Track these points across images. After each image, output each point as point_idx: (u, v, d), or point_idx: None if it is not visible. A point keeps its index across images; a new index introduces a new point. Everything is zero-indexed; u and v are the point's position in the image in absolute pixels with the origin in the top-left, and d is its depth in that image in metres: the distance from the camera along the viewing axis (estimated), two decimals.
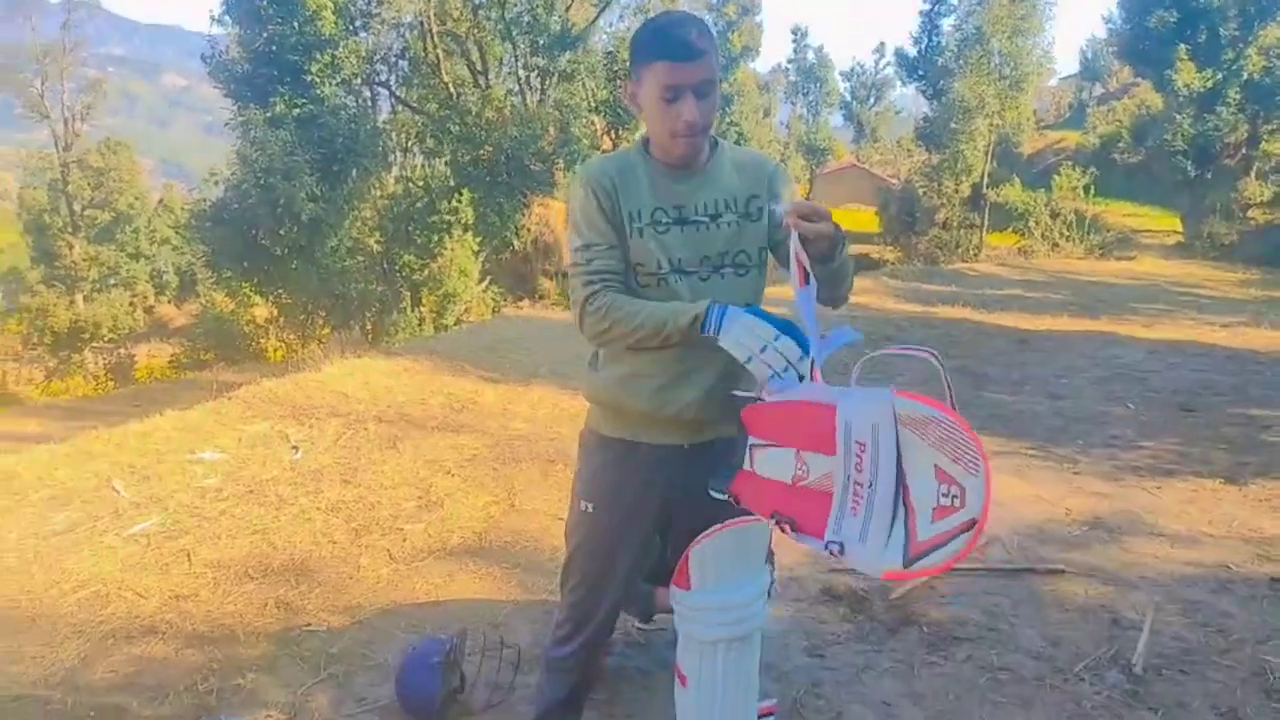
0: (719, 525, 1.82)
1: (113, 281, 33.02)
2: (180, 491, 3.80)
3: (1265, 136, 23.97)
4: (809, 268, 1.66)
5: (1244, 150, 24.33)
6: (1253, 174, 23.62)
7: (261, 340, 17.43)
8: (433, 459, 4.37)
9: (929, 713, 2.50)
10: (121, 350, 19.18)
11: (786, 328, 1.62)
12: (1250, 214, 22.09)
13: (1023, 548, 3.62)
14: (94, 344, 21.11)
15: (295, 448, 4.42)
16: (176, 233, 38.17)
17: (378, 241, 18.64)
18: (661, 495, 1.97)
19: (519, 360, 6.53)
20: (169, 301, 37.49)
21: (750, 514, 2.03)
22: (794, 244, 1.67)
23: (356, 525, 3.60)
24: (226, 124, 17.22)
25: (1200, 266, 18.19)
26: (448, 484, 4.07)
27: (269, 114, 16.03)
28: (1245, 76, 23.02)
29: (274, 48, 16.03)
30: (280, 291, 16.96)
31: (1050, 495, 4.22)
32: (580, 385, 2.07)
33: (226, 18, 17.28)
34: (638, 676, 2.64)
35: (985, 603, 3.15)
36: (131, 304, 31.25)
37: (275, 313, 17.30)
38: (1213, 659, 2.77)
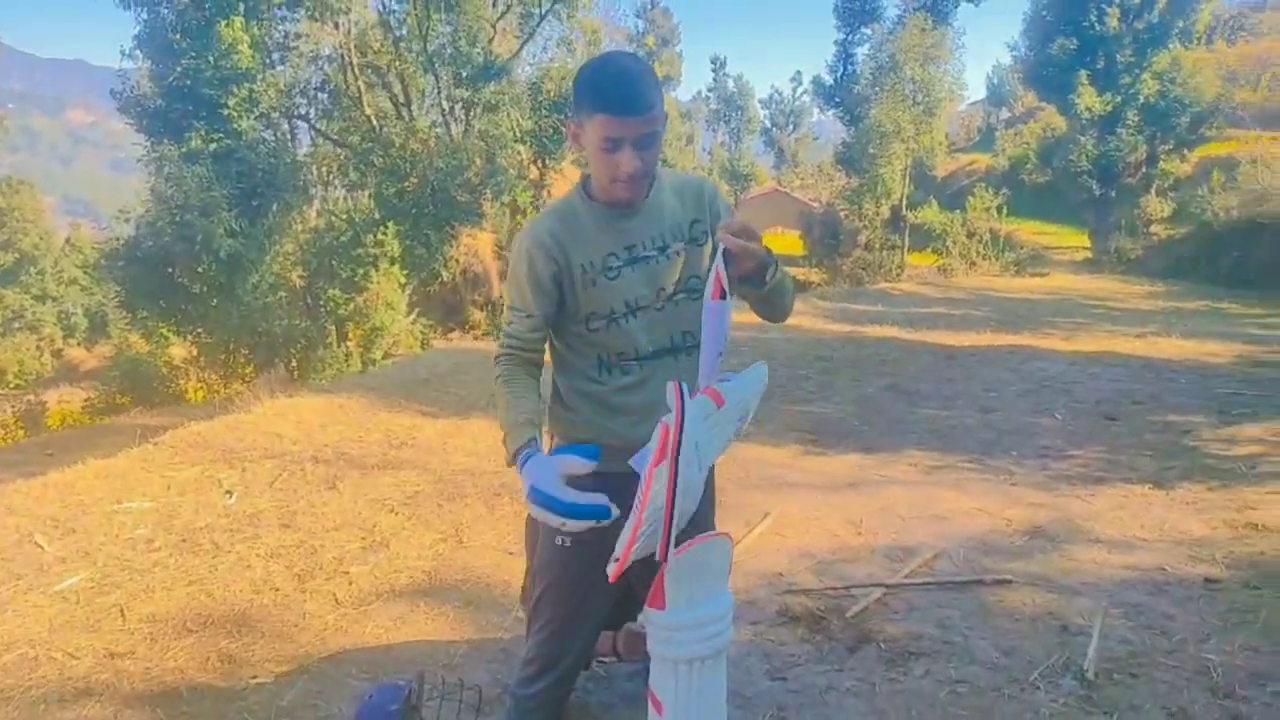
0: (688, 541, 1.82)
1: (18, 325, 31.64)
2: (109, 543, 3.63)
3: (1162, 156, 25.20)
4: (726, 285, 1.66)
5: (1144, 169, 25.52)
6: (1153, 191, 24.78)
7: (181, 381, 16.84)
8: (375, 498, 4.27)
9: None
10: (30, 397, 18.29)
11: (574, 509, 1.65)
12: (1152, 229, 23.13)
13: (969, 560, 3.69)
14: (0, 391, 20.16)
15: (229, 492, 4.26)
16: (85, 273, 36.75)
17: (300, 276, 18.26)
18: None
19: (456, 394, 6.44)
20: (79, 344, 36.03)
21: (713, 527, 2.05)
22: (717, 258, 1.68)
23: (299, 570, 3.47)
24: (139, 160, 16.71)
25: (1109, 280, 18.95)
26: (392, 523, 3.97)
27: (184, 149, 15.61)
28: (1141, 100, 24.20)
29: (188, 82, 15.62)
30: (199, 330, 16.44)
31: (990, 507, 4.31)
32: (548, 423, 2.05)
33: (137, 52, 16.81)
34: (600, 712, 2.60)
35: (938, 616, 3.19)
36: (39, 348, 29.97)
37: (195, 352, 16.75)
38: (1159, 660, 2.84)
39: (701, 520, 2.04)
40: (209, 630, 3.00)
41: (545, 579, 2.06)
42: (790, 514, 4.16)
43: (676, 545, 1.83)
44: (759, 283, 1.70)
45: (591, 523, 1.63)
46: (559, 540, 2.02)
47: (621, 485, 1.94)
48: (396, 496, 4.30)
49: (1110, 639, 2.96)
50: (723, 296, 1.66)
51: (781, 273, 1.79)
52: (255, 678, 2.70)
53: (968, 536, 3.93)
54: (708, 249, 1.91)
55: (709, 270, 1.96)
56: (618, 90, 1.66)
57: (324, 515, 4.03)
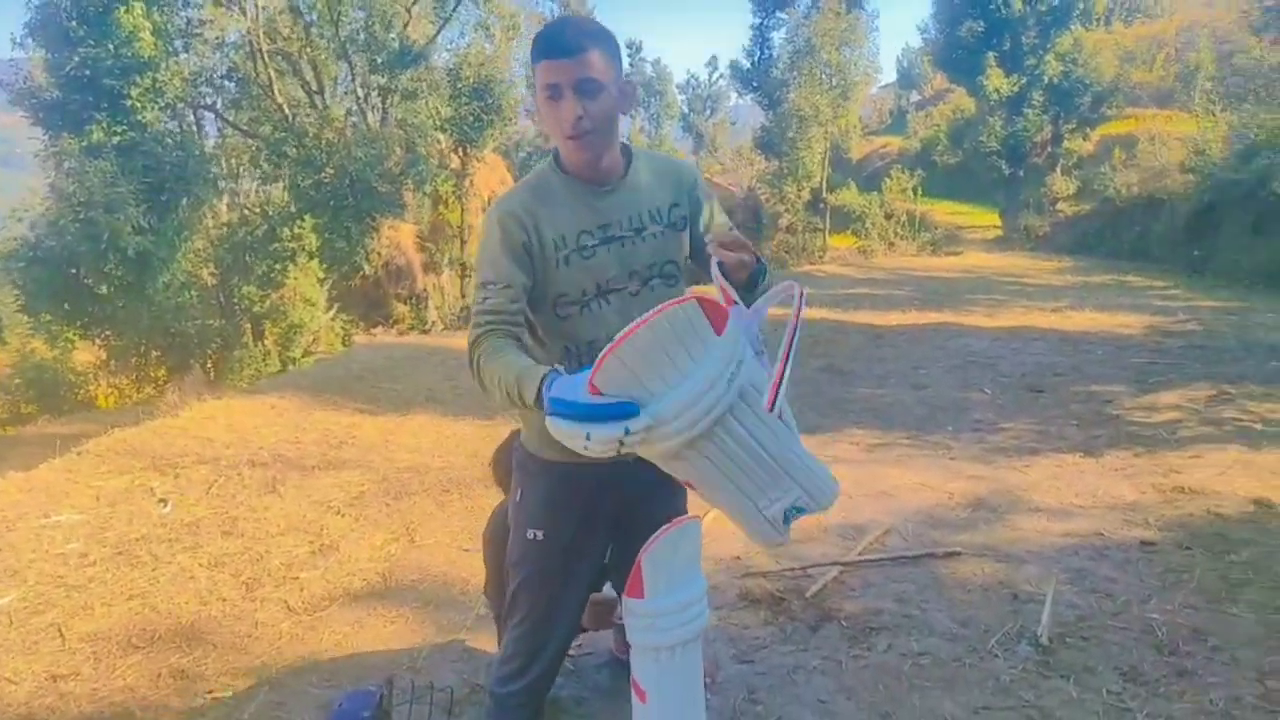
0: (663, 529, 1.83)
1: None
2: (39, 560, 3.45)
3: (1066, 135, 26.10)
4: (734, 294, 1.67)
5: (1049, 148, 26.41)
6: (1058, 170, 25.66)
7: (90, 387, 16.09)
8: (319, 500, 4.15)
9: (863, 705, 2.55)
10: None
11: (595, 410, 1.45)
12: (1059, 207, 23.94)
13: (917, 534, 3.78)
14: None
15: (163, 501, 4.10)
16: None
17: (212, 274, 17.62)
18: (612, 514, 1.95)
19: (392, 390, 6.31)
20: None
21: (685, 513, 2.06)
22: (714, 271, 1.69)
23: (246, 579, 3.36)
24: (36, 155, 15.85)
25: (1020, 257, 19.56)
26: (339, 525, 3.87)
27: (85, 143, 14.81)
28: (1046, 80, 25.00)
29: (87, 72, 14.79)
30: (108, 333, 15.70)
31: (932, 481, 4.42)
32: (513, 416, 2.03)
33: (29, 40, 15.89)
34: (572, 705, 2.58)
35: (894, 591, 3.26)
36: None
37: (104, 356, 16.01)
38: (1107, 623, 2.96)
39: (674, 509, 2.04)
40: (156, 646, 2.88)
41: (520, 573, 2.03)
42: None
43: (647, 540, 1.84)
44: (750, 290, 1.70)
45: (619, 434, 1.42)
46: (530, 535, 1.99)
47: (596, 484, 1.92)
48: (341, 497, 4.20)
49: (1059, 604, 3.07)
50: (735, 303, 1.66)
51: (768, 278, 1.80)
52: (211, 692, 2.61)
53: (914, 511, 4.02)
54: (685, 236, 1.89)
55: (686, 259, 1.95)
56: (552, 35, 1.68)
57: (267, 520, 3.91)
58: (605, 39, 1.71)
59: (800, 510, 1.71)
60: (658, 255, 1.86)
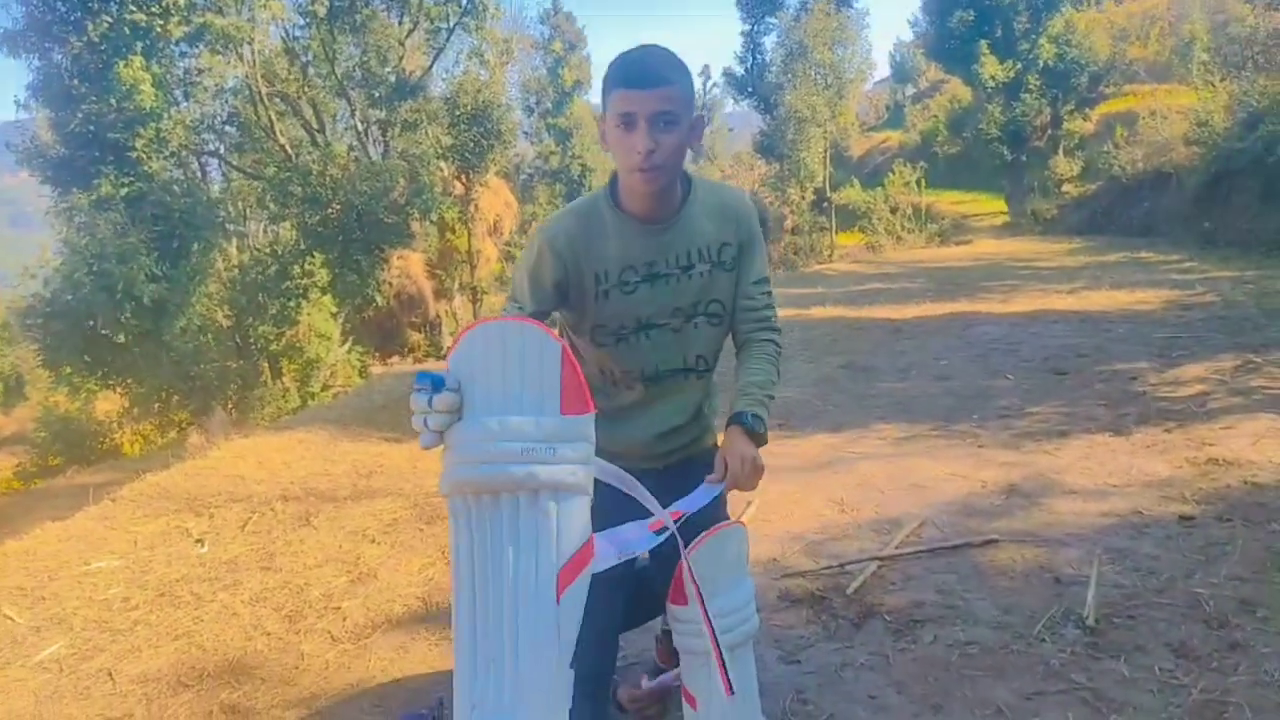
0: (704, 533, 1.82)
1: None
2: (83, 607, 3.48)
3: (1065, 116, 26.10)
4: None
5: (1050, 130, 26.38)
6: (1060, 152, 25.61)
7: (114, 435, 16.27)
8: (353, 529, 4.17)
9: (914, 698, 2.54)
10: None
11: (421, 376, 1.44)
12: (1064, 189, 23.89)
13: (953, 524, 3.76)
14: None
15: (200, 541, 4.13)
16: None
17: (226, 316, 17.79)
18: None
19: None
20: None
21: (726, 519, 2.06)
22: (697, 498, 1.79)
23: (288, 612, 3.38)
24: (46, 213, 16.08)
25: (1029, 241, 19.51)
26: (376, 553, 3.89)
27: (94, 196, 15.04)
28: (1041, 64, 25.00)
29: (91, 128, 15.04)
30: (129, 381, 15.89)
31: (963, 471, 4.40)
32: None
33: (32, 101, 16.15)
34: (615, 713, 2.58)
35: (935, 582, 3.24)
36: None
37: (127, 404, 16.18)
38: (1152, 600, 2.94)
39: (714, 515, 2.03)
40: (206, 683, 2.90)
41: None
42: (773, 499, 4.18)
43: (689, 543, 1.83)
44: (763, 442, 1.85)
45: (423, 401, 1.39)
46: None
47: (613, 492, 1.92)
48: (375, 526, 4.22)
49: (1102, 585, 3.04)
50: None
51: (769, 403, 1.87)
52: None
53: (948, 502, 4.01)
54: (734, 275, 1.87)
55: (732, 300, 1.93)
56: (632, 64, 1.65)
57: (304, 553, 3.93)
58: (685, 73, 1.70)
59: None
60: (703, 294, 1.83)
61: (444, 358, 1.56)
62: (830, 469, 4.58)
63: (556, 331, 1.56)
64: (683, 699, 1.96)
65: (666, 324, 1.80)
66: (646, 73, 1.64)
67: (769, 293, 1.93)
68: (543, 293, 1.79)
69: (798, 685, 2.65)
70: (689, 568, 1.82)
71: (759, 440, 1.75)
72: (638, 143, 1.64)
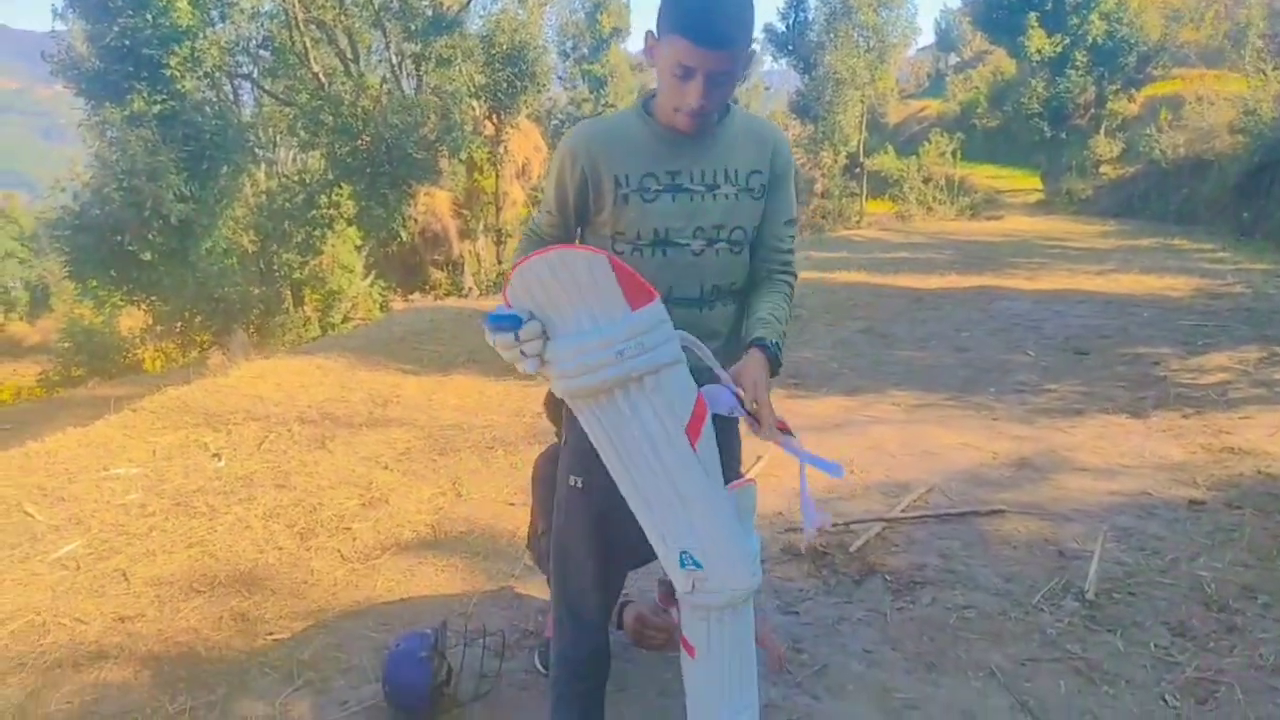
0: None
1: None
2: (101, 510, 3.56)
3: (1110, 96, 25.53)
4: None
5: (1092, 110, 25.84)
6: (1101, 132, 25.11)
7: (136, 351, 16.45)
8: (367, 455, 4.23)
9: (908, 655, 2.58)
10: None
11: (495, 318, 1.54)
12: (1102, 169, 23.47)
13: (961, 492, 3.77)
14: None
15: (217, 455, 4.20)
16: (22, 244, 35.55)
17: (252, 241, 17.82)
18: None
19: (435, 351, 6.38)
20: (20, 319, 34.93)
21: (740, 475, 2.05)
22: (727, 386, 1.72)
23: (300, 529, 3.45)
24: (79, 125, 16.08)
25: (1062, 221, 19.23)
26: (388, 479, 3.95)
27: (127, 112, 15.00)
28: (1090, 40, 24.42)
29: (127, 42, 14.95)
30: (153, 298, 16.01)
31: (975, 441, 4.41)
32: None
33: (69, 12, 16.07)
34: (619, 651, 2.61)
35: (939, 547, 3.27)
36: None
37: (150, 321, 16.33)
38: (1154, 579, 2.95)
39: (727, 470, 2.01)
40: (217, 591, 2.97)
41: (558, 521, 2.01)
42: (782, 456, 4.14)
43: None
44: (777, 371, 1.76)
45: (510, 339, 1.51)
46: (571, 481, 1.98)
47: None
48: (389, 454, 4.27)
49: (1105, 561, 3.06)
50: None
51: (783, 337, 1.80)
52: (271, 634, 2.69)
53: (958, 470, 4.02)
54: (760, 205, 1.84)
55: (755, 229, 1.89)
56: (704, 18, 1.56)
57: (318, 474, 4.00)
58: (752, 26, 1.64)
59: (696, 564, 1.69)
60: (727, 218, 1.77)
61: (505, 296, 1.59)
62: (842, 430, 4.60)
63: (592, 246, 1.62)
64: (681, 647, 1.98)
65: (686, 245, 1.76)
66: (715, 31, 1.56)
67: (794, 236, 1.92)
68: (565, 200, 1.79)
69: (794, 635, 2.70)
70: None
71: (774, 370, 1.73)
72: (691, 95, 1.61)
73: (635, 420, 1.59)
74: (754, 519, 1.97)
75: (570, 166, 1.75)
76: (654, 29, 1.66)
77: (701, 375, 1.66)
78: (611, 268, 1.50)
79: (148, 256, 14.84)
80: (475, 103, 19.37)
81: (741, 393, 1.67)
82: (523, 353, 1.53)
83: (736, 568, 1.70)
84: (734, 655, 1.94)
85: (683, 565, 1.70)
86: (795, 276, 1.91)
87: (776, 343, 1.74)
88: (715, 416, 1.71)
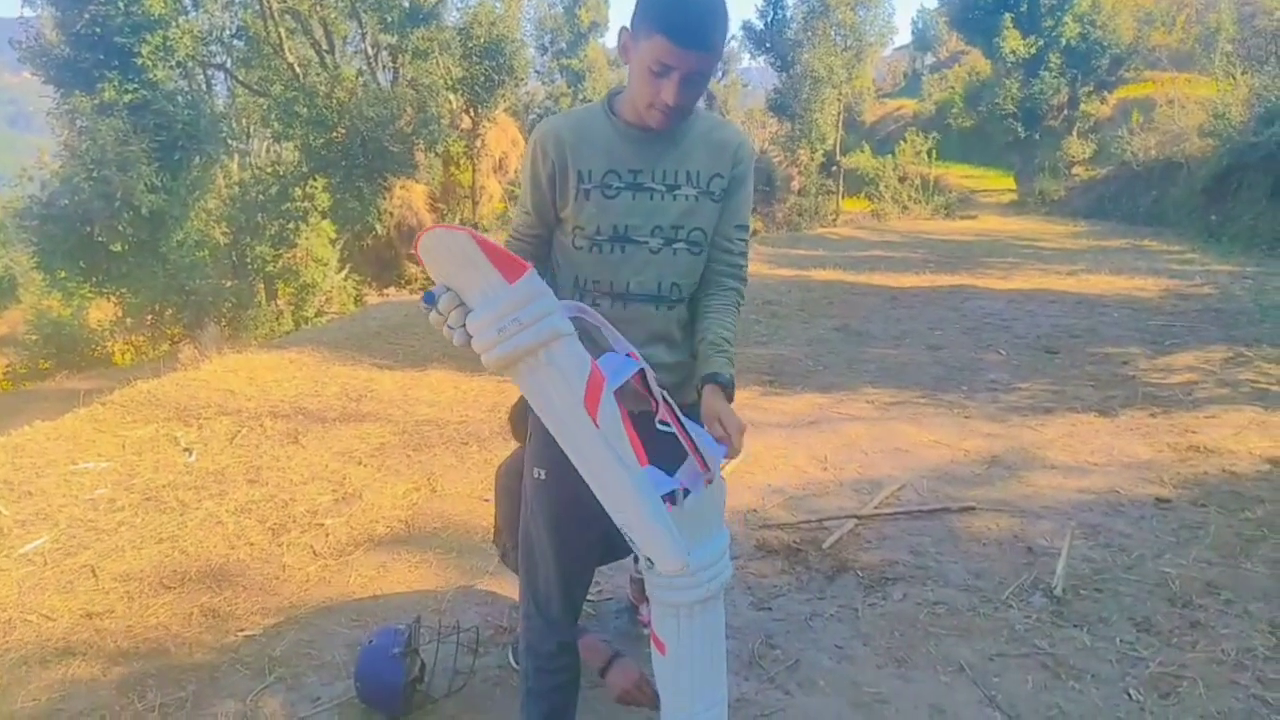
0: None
1: None
2: (69, 505, 3.52)
3: (1083, 98, 25.77)
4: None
5: (1065, 111, 26.08)
6: (1074, 133, 25.37)
7: (106, 344, 16.21)
8: (340, 450, 4.21)
9: (878, 651, 2.61)
10: None
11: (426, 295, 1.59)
12: (1074, 170, 23.71)
13: (932, 489, 3.81)
14: None
15: (188, 450, 4.16)
16: None
17: (224, 233, 17.61)
18: None
19: (409, 345, 6.35)
20: None
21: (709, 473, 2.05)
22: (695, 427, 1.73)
23: (272, 524, 3.43)
24: (48, 113, 15.82)
25: (1035, 221, 19.42)
26: (361, 474, 3.93)
27: (97, 101, 14.77)
28: (1063, 42, 24.64)
29: (98, 30, 14.72)
30: (123, 291, 15.77)
31: (947, 439, 4.45)
32: None
33: None
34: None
35: (910, 543, 3.30)
36: None
37: (120, 314, 16.10)
38: (1120, 576, 3.00)
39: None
40: (187, 586, 2.95)
41: (526, 515, 2.01)
42: (757, 452, 4.23)
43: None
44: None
45: (429, 312, 1.54)
46: (535, 474, 1.97)
47: None
48: (362, 449, 4.25)
49: (1073, 558, 3.11)
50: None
51: (733, 356, 1.83)
52: (243, 630, 2.67)
53: (929, 468, 4.06)
54: (719, 208, 1.83)
55: (712, 232, 1.91)
56: (686, 19, 1.57)
57: (290, 469, 3.97)
58: (727, 27, 1.66)
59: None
60: (686, 219, 1.79)
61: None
62: (816, 427, 4.63)
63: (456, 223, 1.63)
64: (651, 644, 1.98)
65: (645, 242, 1.78)
66: (695, 32, 1.58)
67: (747, 241, 1.91)
68: (540, 193, 1.79)
69: (767, 631, 2.72)
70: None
71: (729, 396, 1.76)
72: (666, 93, 1.62)
73: (542, 392, 1.59)
74: (723, 518, 1.98)
75: (541, 160, 1.76)
76: (629, 25, 1.66)
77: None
78: (478, 244, 1.49)
79: (118, 248, 14.62)
80: (452, 96, 19.26)
81: (728, 440, 1.70)
82: (449, 326, 1.53)
83: (663, 549, 1.67)
84: (704, 651, 1.94)
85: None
86: (744, 283, 1.90)
87: (731, 375, 1.78)
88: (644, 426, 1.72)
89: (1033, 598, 2.88)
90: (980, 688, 2.41)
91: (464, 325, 1.53)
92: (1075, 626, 2.70)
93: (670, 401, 1.70)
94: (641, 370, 1.67)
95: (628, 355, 1.66)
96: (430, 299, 1.55)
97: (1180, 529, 3.34)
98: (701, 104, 1.85)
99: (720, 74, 58.05)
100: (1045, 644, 2.61)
